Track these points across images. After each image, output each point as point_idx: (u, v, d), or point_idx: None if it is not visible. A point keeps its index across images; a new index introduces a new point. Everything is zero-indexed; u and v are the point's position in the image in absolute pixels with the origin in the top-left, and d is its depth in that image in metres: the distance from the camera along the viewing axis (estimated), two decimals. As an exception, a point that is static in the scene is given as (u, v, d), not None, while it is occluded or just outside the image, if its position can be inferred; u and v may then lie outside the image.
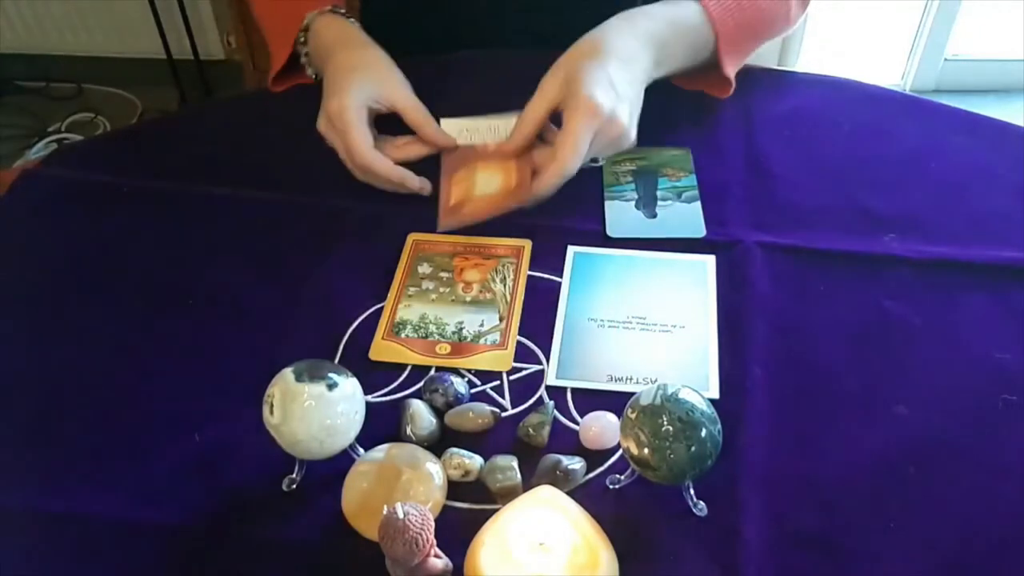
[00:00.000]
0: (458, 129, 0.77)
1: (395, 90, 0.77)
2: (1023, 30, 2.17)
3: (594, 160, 0.74)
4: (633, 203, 0.75)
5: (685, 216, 0.74)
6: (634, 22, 0.76)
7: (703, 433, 0.50)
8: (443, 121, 0.78)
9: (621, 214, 0.74)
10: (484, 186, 0.73)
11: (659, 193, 0.76)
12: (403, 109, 0.76)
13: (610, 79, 0.70)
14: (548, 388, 0.62)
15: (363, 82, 0.75)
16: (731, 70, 0.82)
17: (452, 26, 0.92)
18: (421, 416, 0.59)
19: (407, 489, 0.55)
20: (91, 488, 0.58)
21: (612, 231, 0.73)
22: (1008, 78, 2.22)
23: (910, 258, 0.70)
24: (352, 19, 0.84)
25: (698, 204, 0.75)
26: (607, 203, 0.75)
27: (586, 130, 0.69)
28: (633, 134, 0.73)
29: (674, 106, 0.83)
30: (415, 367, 0.64)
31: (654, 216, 0.74)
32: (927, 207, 0.74)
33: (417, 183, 0.75)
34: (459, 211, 0.73)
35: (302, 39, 0.84)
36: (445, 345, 0.65)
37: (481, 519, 0.52)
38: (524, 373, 0.64)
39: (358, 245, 0.73)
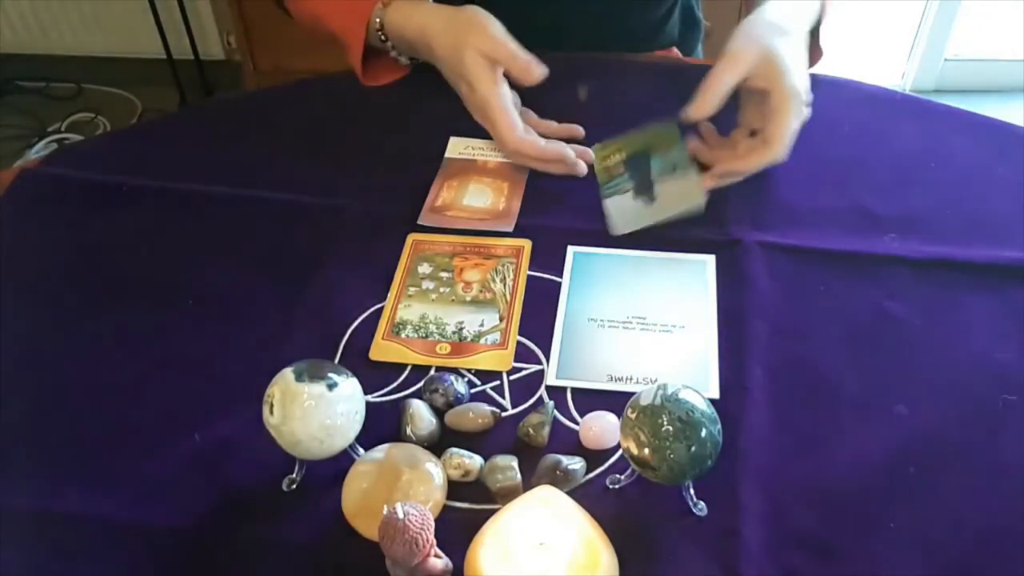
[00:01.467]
0: (463, 145, 0.81)
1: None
2: (1023, 30, 2.17)
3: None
4: (631, 194, 0.75)
5: (683, 188, 0.73)
6: None
7: (703, 433, 0.50)
8: (452, 139, 0.82)
9: (622, 208, 0.74)
10: (472, 198, 0.76)
11: (653, 174, 0.75)
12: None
13: (798, 60, 0.72)
14: (548, 388, 0.62)
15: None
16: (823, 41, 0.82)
17: None
18: (421, 416, 0.59)
19: (407, 489, 0.55)
20: (91, 488, 0.58)
21: (615, 228, 0.73)
22: (1008, 78, 2.22)
23: (910, 258, 0.70)
24: None
25: (693, 171, 0.74)
26: (606, 201, 0.75)
27: (796, 123, 0.71)
28: None
29: (674, 106, 0.83)
30: (415, 367, 0.64)
31: (653, 199, 0.73)
32: (927, 207, 0.74)
33: (572, 156, 0.76)
34: (442, 212, 0.75)
35: (382, 38, 0.83)
36: (445, 345, 0.65)
37: (481, 519, 0.52)
38: (524, 373, 0.64)
39: (358, 245, 0.73)
